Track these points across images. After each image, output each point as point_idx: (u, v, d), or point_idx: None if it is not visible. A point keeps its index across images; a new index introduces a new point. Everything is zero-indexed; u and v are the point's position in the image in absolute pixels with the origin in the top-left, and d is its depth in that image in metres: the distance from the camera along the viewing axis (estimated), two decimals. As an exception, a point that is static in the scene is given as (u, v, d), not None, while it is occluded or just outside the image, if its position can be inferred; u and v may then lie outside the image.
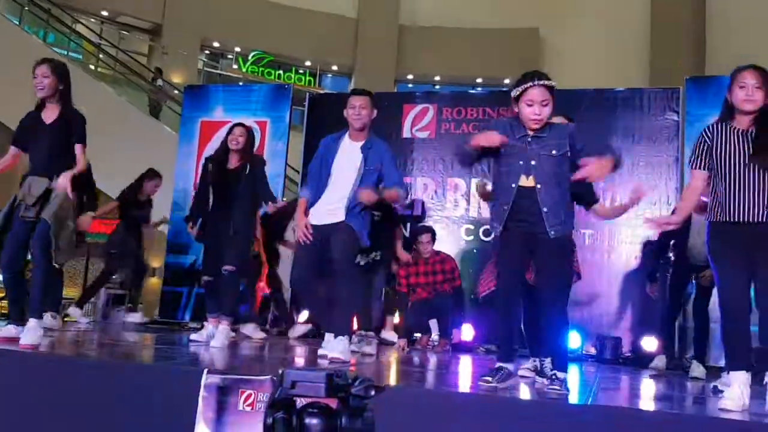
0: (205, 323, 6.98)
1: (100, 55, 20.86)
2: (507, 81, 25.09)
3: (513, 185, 4.42)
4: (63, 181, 5.45)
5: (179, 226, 9.95)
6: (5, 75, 12.50)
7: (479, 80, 25.61)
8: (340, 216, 5.68)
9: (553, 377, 4.26)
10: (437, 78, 26.57)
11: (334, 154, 5.87)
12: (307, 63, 26.88)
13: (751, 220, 4.20)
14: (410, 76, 26.65)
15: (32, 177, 5.56)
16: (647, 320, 8.68)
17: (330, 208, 5.74)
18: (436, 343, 8.68)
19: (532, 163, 4.41)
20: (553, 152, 4.42)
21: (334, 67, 27.36)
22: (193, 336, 6.81)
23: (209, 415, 3.91)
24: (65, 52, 19.42)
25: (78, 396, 4.19)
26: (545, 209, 4.34)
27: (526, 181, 4.40)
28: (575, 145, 4.46)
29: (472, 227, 9.86)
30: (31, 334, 5.16)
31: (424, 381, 4.94)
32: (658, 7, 23.99)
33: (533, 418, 3.64)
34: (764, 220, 4.17)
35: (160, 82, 19.99)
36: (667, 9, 23.54)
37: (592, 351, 8.66)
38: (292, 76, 26.57)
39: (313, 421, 1.82)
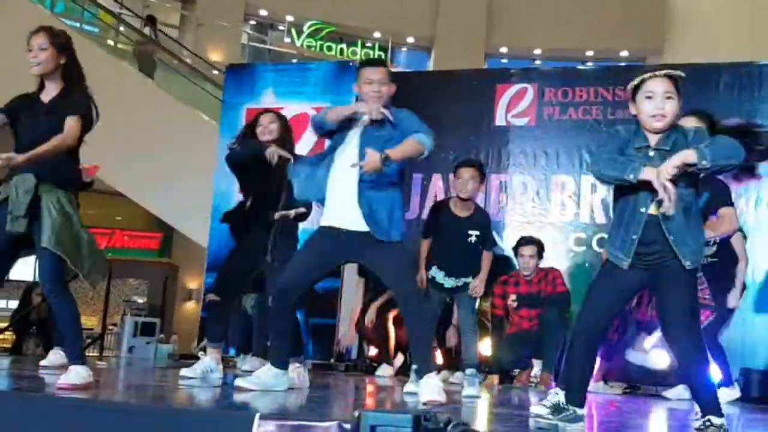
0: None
1: (121, 28, 21.01)
2: (625, 54, 24.91)
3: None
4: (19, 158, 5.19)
5: (221, 239, 10.03)
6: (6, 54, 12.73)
7: (589, 53, 25.41)
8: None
9: (707, 424, 4.19)
10: (537, 52, 26.42)
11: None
12: (376, 35, 26.91)
13: None
14: (504, 50, 26.54)
15: (18, 176, 5.35)
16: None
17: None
18: (537, 380, 8.63)
19: None
20: None
21: (410, 40, 27.36)
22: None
23: (262, 471, 3.92)
24: (77, 24, 19.65)
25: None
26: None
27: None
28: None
29: (583, 235, 9.78)
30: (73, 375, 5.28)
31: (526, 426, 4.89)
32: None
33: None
34: None
35: (148, 31, 19.80)
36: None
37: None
38: (358, 51, 26.66)
39: None
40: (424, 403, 5.44)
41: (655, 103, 4.37)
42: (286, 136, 6.98)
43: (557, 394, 5.32)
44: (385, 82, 5.91)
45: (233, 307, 7.72)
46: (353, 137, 5.79)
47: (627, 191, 4.46)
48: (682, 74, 4.43)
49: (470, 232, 7.38)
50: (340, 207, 5.74)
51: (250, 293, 8.66)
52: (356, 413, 1.87)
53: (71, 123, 5.38)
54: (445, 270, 7.24)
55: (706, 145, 4.15)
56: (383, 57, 27.05)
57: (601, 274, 4.68)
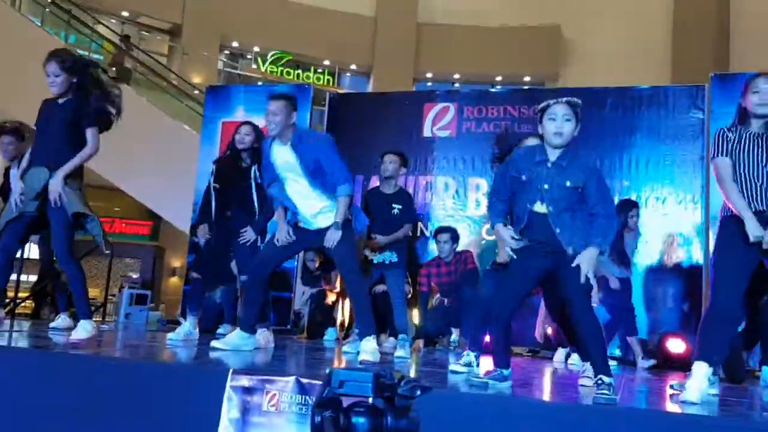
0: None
1: (134, 65, 20.93)
2: (527, 79, 25.12)
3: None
4: (54, 185, 5.35)
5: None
6: (27, 74, 12.56)
7: (499, 78, 25.54)
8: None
9: (600, 382, 4.21)
10: (456, 76, 26.50)
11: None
12: (326, 62, 26.86)
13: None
14: (429, 75, 26.59)
15: (34, 168, 5.49)
16: (670, 321, 8.70)
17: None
18: (455, 345, 8.65)
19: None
20: (568, 183, 4.45)
21: (353, 67, 27.34)
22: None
23: (234, 415, 3.92)
24: (87, 53, 19.48)
25: (97, 395, 4.21)
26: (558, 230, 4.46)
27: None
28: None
29: (493, 226, 9.78)
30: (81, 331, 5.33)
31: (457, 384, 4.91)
32: (680, 4, 23.84)
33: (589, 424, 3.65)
34: None
35: (124, 46, 19.55)
36: (689, 5, 23.40)
37: (617, 353, 8.60)
38: (311, 75, 26.58)
39: (359, 420, 1.83)
40: (360, 362, 5.48)
41: (556, 124, 4.43)
42: (258, 146, 6.87)
43: (469, 355, 5.42)
44: (278, 113, 5.77)
45: (209, 285, 7.72)
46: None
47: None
48: (579, 102, 4.49)
49: (394, 205, 7.42)
50: (303, 213, 5.93)
51: (220, 285, 8.62)
52: (327, 370, 1.87)
53: (90, 135, 5.47)
54: (371, 246, 7.26)
55: (599, 234, 4.37)
56: (331, 81, 27.06)
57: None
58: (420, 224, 9.98)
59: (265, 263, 6.10)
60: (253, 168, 6.80)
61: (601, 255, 4.48)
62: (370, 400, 1.86)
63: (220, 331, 8.24)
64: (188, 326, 6.74)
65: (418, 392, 1.89)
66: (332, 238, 5.72)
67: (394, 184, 7.51)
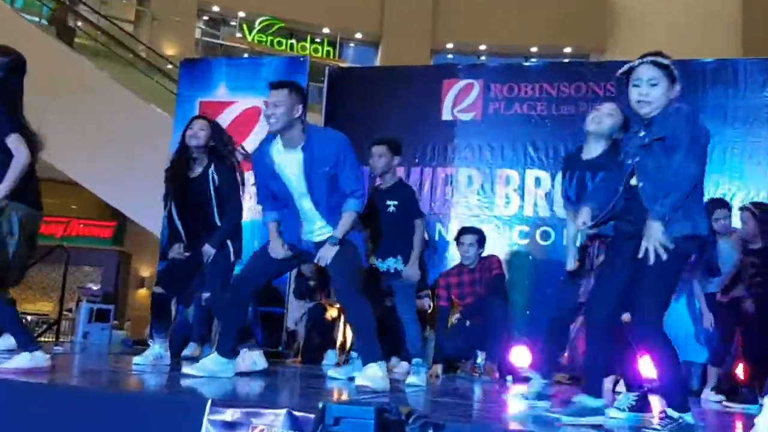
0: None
1: (78, 23, 20.91)
2: (568, 50, 25.04)
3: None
4: None
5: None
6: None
7: (534, 50, 25.52)
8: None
9: (666, 416, 4.19)
10: (482, 48, 26.50)
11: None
12: (325, 30, 26.90)
13: None
14: (450, 46, 26.60)
15: None
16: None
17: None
18: (481, 371, 8.63)
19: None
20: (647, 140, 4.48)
21: (358, 35, 27.38)
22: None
23: (213, 455, 3.91)
24: (36, 19, 19.52)
25: (58, 427, 4.21)
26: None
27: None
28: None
29: (527, 228, 9.80)
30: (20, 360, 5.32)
31: (489, 418, 4.87)
32: (752, -39, 23.76)
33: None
34: None
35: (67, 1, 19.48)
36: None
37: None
38: (308, 46, 26.61)
39: None
40: (356, 387, 5.47)
41: (640, 90, 4.45)
42: (217, 144, 6.84)
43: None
44: (280, 105, 5.77)
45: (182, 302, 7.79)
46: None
47: None
48: (668, 61, 4.49)
49: (388, 202, 7.33)
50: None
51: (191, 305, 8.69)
52: (320, 404, 1.86)
53: (13, 143, 5.47)
54: (376, 252, 7.22)
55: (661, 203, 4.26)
56: (332, 52, 27.04)
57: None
58: (439, 225, 9.98)
59: (249, 279, 6.13)
60: (210, 170, 6.79)
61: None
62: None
63: (186, 352, 8.28)
64: (158, 348, 6.75)
65: (430, 430, 1.88)
66: (325, 256, 5.76)
67: (389, 177, 7.49)
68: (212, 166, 6.74)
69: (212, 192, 6.73)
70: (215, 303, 6.77)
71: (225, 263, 6.67)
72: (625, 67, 4.58)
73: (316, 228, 5.96)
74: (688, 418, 4.14)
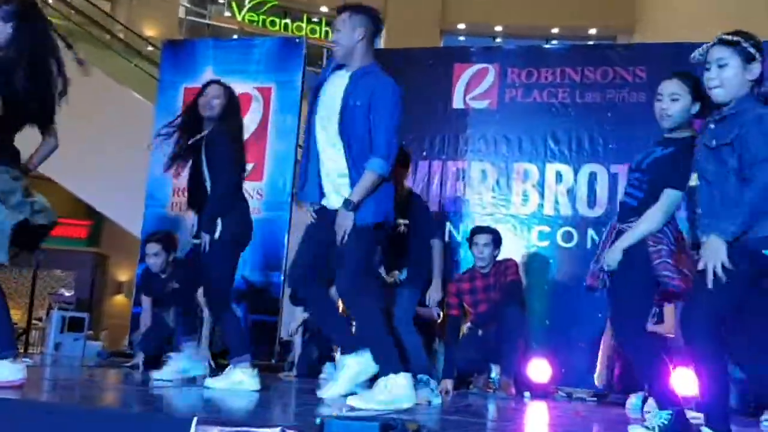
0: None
1: (50, 0, 20.95)
2: (593, 32, 25.04)
3: None
4: None
5: (155, 227, 9.99)
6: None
7: (555, 31, 25.55)
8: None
9: None
10: (498, 29, 26.52)
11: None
12: (323, 9, 26.90)
13: None
14: (462, 26, 26.62)
15: None
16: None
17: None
18: (496, 386, 8.62)
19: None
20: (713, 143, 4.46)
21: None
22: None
23: (200, 480, 3.91)
24: (4, -3, 19.54)
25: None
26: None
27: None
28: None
29: (547, 229, 9.77)
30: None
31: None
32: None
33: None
34: None
35: None
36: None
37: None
38: (304, 26, 26.66)
39: None
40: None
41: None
42: (230, 117, 6.81)
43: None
44: (341, 28, 5.89)
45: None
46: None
47: None
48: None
49: (399, 221, 7.23)
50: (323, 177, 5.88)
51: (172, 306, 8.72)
52: (318, 420, 1.85)
53: None
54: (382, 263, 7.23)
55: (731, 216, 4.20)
56: (330, 33, 27.02)
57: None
58: (449, 224, 9.98)
59: (308, 272, 5.96)
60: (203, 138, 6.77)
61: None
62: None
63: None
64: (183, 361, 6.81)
65: None
66: (342, 224, 5.54)
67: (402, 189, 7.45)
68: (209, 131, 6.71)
69: (204, 164, 6.71)
70: (208, 298, 6.78)
71: (215, 246, 6.55)
72: (701, 49, 4.60)
73: (331, 183, 5.79)
74: None
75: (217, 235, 6.45)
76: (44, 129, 5.81)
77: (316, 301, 6.10)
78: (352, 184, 5.59)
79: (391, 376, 5.44)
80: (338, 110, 5.68)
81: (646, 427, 4.62)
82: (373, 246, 5.82)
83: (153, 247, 8.98)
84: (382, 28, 6.08)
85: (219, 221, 6.49)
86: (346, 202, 5.52)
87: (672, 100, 4.84)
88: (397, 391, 5.40)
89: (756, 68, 4.39)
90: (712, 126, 4.47)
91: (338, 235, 5.53)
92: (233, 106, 6.85)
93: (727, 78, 4.41)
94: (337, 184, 5.74)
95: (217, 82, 6.99)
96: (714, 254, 4.12)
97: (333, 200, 5.77)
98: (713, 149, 4.38)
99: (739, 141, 4.27)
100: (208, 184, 6.66)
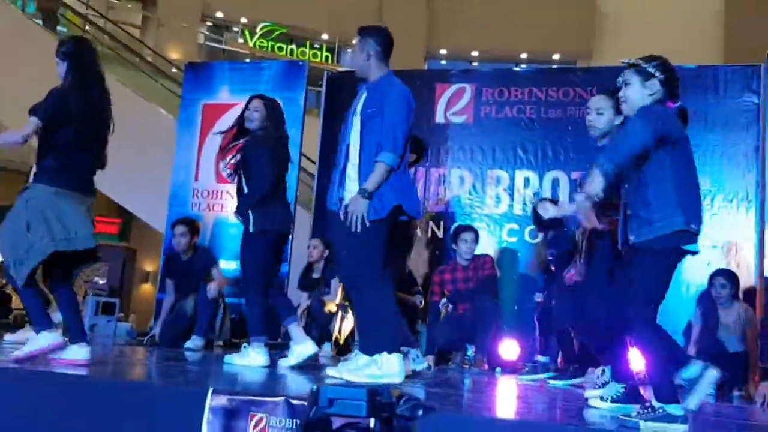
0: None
1: (87, 27, 20.88)
2: (557, 57, 25.07)
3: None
4: None
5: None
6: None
7: (524, 56, 25.54)
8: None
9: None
10: (475, 54, 26.49)
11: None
12: (324, 36, 26.87)
13: None
14: (443, 52, 26.59)
15: None
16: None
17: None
18: (472, 363, 8.64)
19: None
20: None
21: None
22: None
23: (215, 441, 3.91)
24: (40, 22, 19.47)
25: (53, 417, 4.21)
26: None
27: None
28: None
29: (516, 227, 9.81)
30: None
31: (482, 407, 4.89)
32: (734, -29, 23.81)
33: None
34: None
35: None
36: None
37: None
38: (307, 51, 26.57)
39: None
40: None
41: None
42: (267, 126, 6.76)
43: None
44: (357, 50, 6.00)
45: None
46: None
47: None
48: (638, 62, 4.60)
49: None
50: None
51: (192, 294, 8.71)
52: (314, 387, 1.86)
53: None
54: None
55: None
56: (330, 58, 27.02)
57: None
58: (431, 223, 10.01)
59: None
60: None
61: None
62: (372, 422, 1.85)
63: (188, 345, 8.28)
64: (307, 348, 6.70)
65: (420, 412, 1.88)
66: (355, 208, 5.42)
67: None
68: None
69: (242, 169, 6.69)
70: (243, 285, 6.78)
71: (246, 237, 6.57)
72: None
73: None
74: (673, 409, 4.11)
75: (251, 228, 6.46)
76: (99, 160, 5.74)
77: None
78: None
79: (385, 354, 5.40)
80: (356, 121, 5.73)
81: (602, 398, 4.65)
82: (379, 238, 5.55)
83: (180, 228, 8.95)
84: (389, 42, 6.09)
85: (251, 215, 6.49)
86: (362, 190, 5.44)
87: (597, 114, 5.19)
88: (388, 368, 5.37)
89: (654, 84, 4.48)
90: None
91: (350, 221, 5.41)
92: (270, 116, 6.80)
93: (628, 94, 4.56)
94: (351, 191, 5.63)
95: (259, 96, 6.97)
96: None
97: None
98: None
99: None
100: (244, 185, 6.66)
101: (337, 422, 1.85)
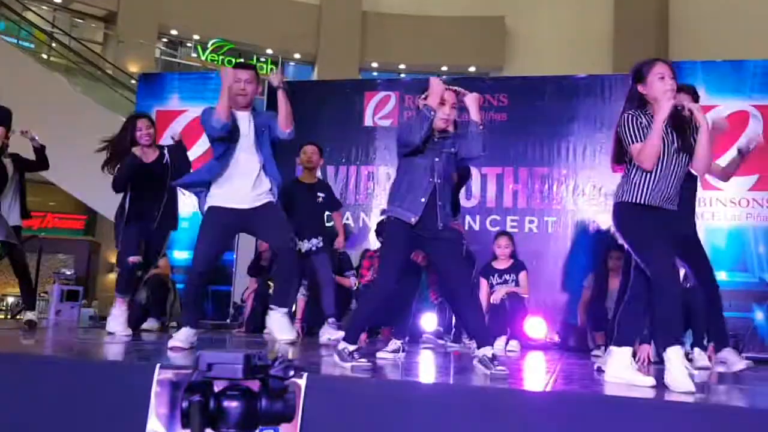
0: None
1: (53, 44, 20.61)
2: (473, 69, 25.31)
3: None
4: None
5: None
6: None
7: (444, 68, 25.66)
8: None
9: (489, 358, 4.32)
10: (402, 66, 26.54)
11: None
12: (269, 51, 26.72)
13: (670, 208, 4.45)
14: (375, 65, 26.61)
15: None
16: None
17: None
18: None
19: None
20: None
21: (297, 56, 27.24)
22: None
23: (162, 410, 3.88)
24: (15, 41, 19.19)
25: (29, 394, 4.14)
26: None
27: None
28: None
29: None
30: None
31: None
32: (622, -6, 24.35)
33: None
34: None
35: None
36: (631, -2, 23.94)
37: (556, 339, 8.70)
38: (253, 64, 26.40)
39: (231, 404, 1.78)
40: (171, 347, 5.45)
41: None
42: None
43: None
44: (252, 81, 5.77)
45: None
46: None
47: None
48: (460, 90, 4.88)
49: (318, 194, 7.58)
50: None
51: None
52: (197, 353, 1.83)
53: None
54: (299, 236, 6.92)
55: None
56: (275, 70, 26.87)
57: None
58: (363, 215, 10.02)
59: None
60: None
61: None
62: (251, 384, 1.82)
63: (144, 326, 8.23)
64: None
65: (291, 373, 1.86)
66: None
67: (314, 174, 7.85)
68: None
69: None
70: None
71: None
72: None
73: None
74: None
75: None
76: None
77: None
78: None
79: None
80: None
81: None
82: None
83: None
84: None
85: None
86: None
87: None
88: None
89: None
90: None
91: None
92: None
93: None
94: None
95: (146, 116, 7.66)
96: None
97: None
98: None
99: None
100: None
101: (219, 385, 1.83)
